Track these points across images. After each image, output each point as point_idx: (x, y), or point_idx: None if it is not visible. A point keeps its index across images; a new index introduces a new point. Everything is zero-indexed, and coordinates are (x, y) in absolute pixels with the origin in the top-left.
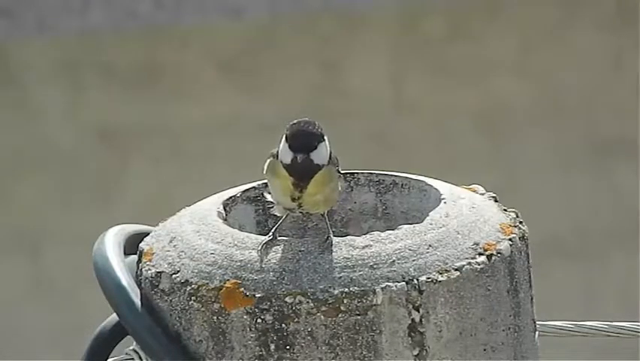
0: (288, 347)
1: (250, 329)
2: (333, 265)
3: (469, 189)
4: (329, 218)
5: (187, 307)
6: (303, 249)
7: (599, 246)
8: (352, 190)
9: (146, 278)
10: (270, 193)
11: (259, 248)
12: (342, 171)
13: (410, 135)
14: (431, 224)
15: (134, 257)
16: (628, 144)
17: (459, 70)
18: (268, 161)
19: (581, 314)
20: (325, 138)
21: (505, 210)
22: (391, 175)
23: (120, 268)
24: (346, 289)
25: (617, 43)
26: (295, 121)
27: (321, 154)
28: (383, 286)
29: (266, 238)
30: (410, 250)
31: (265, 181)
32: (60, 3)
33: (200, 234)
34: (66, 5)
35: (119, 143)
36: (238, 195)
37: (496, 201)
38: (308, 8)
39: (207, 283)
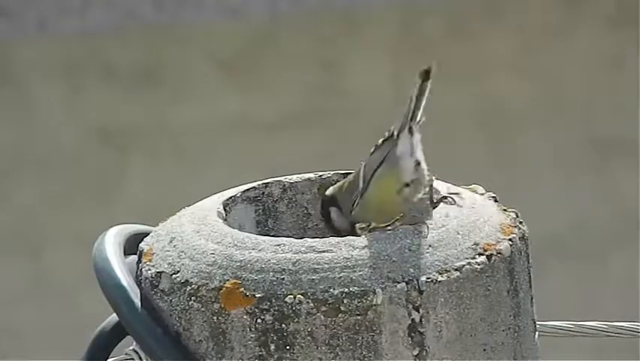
0: (288, 347)
1: (250, 329)
2: (333, 265)
3: (469, 189)
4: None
5: (187, 308)
6: (303, 248)
7: (598, 246)
8: None
9: (146, 278)
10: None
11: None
12: (342, 171)
13: None
14: (431, 224)
15: (134, 257)
16: (628, 144)
17: (459, 70)
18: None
19: (581, 314)
20: None
21: (505, 210)
22: None
23: (120, 268)
24: (346, 289)
25: (617, 43)
26: None
27: None
28: (383, 286)
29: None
30: (410, 250)
31: (266, 181)
32: (60, 3)
33: (200, 234)
34: (66, 5)
35: (119, 143)
36: (238, 195)
37: (496, 201)
38: (308, 8)
39: (207, 284)
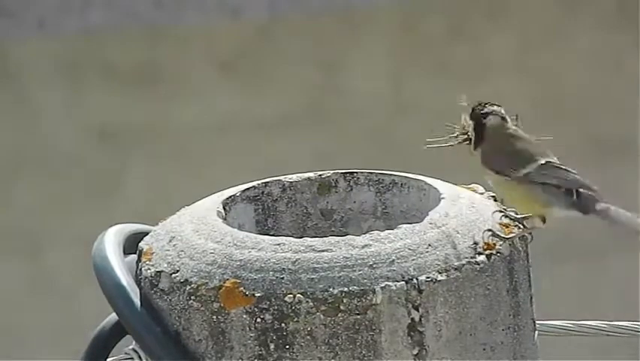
0: (287, 347)
1: (250, 329)
2: (333, 264)
3: (469, 188)
4: (329, 217)
5: (186, 307)
6: (302, 248)
7: (598, 246)
8: (352, 190)
9: (146, 278)
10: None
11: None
12: (342, 171)
13: (410, 135)
14: (431, 223)
15: (134, 257)
16: (628, 144)
17: (459, 70)
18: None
19: (581, 314)
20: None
21: (504, 209)
22: (391, 174)
23: (120, 267)
24: (346, 289)
25: (617, 43)
26: None
27: None
28: (382, 285)
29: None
30: (410, 249)
31: (266, 181)
32: (60, 3)
33: (200, 233)
34: (66, 5)
35: (119, 143)
36: (238, 194)
37: (495, 200)
38: (308, 8)
39: (207, 283)
